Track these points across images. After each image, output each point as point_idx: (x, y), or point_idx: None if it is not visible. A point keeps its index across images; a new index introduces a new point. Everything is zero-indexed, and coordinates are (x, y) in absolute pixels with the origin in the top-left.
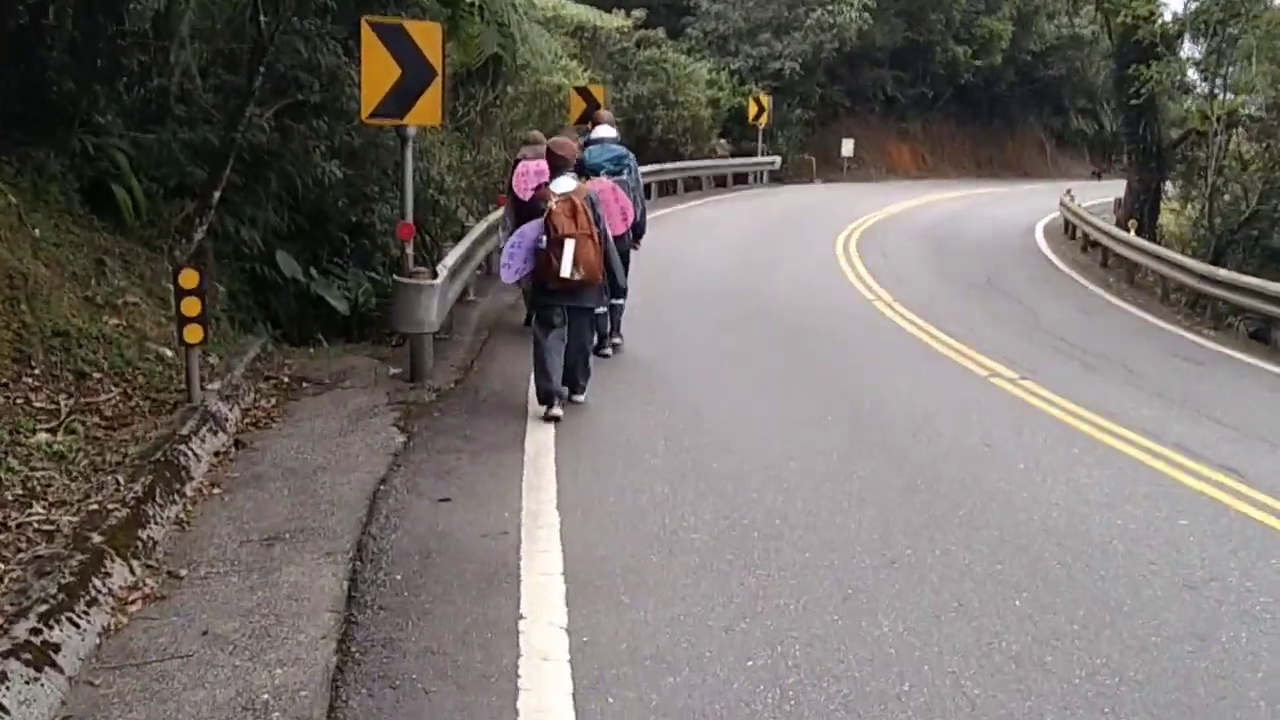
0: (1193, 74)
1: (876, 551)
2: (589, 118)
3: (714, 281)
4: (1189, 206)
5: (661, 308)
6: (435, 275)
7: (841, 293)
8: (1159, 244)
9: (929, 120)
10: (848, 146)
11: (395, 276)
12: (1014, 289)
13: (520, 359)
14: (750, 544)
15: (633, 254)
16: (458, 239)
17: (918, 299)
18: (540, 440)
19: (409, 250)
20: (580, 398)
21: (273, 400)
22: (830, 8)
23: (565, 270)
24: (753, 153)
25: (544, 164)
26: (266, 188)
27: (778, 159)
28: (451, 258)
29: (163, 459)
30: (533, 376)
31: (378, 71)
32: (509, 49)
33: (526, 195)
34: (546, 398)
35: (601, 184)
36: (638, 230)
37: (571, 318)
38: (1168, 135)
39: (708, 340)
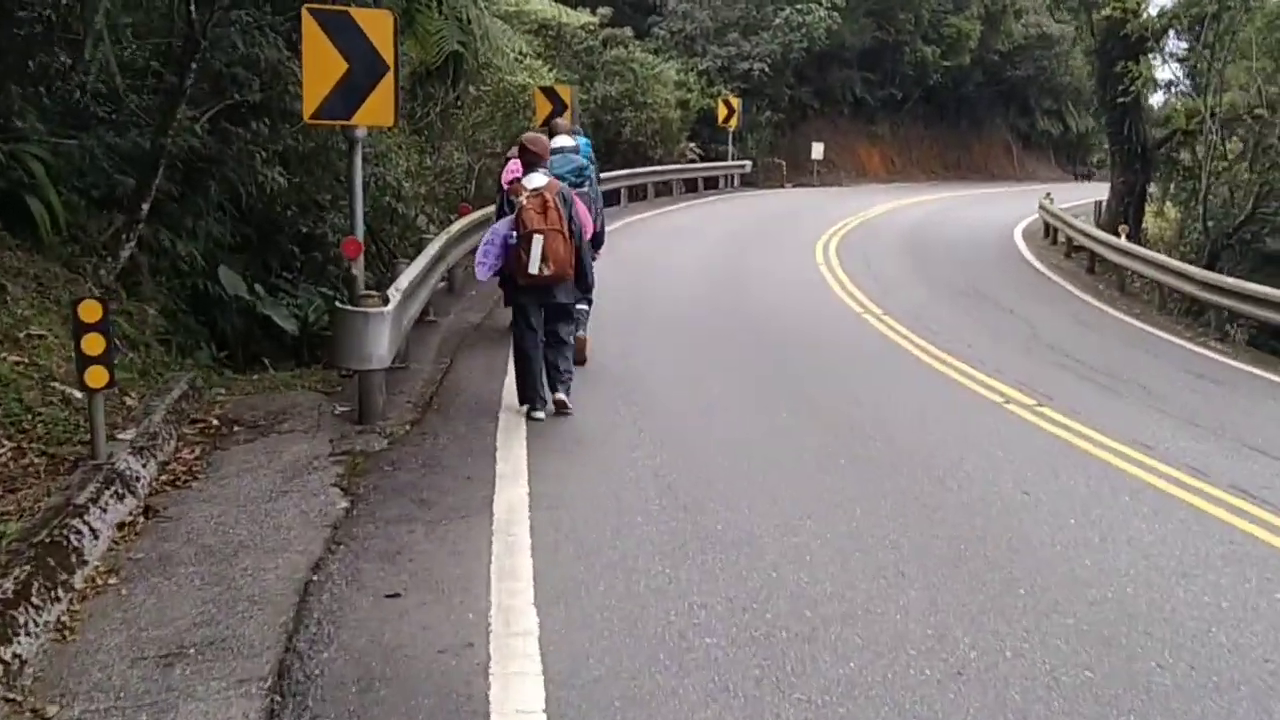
0: (1178, 70)
1: (934, 655)
2: (555, 118)
3: (693, 295)
4: (1172, 208)
5: (638, 324)
6: (386, 300)
7: (829, 305)
8: (1144, 247)
9: (897, 123)
10: (818, 150)
11: (337, 304)
12: (1003, 298)
13: (488, 388)
14: (779, 650)
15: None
16: (419, 249)
17: (908, 311)
18: (511, 500)
19: (357, 270)
20: (563, 396)
21: (197, 450)
22: (799, 6)
23: (533, 266)
24: (723, 156)
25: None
26: (206, 197)
27: (749, 163)
28: (406, 278)
29: (48, 540)
30: (514, 377)
31: (321, 66)
32: (470, 46)
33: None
34: (527, 399)
35: None
36: (596, 241)
37: (547, 314)
38: (1151, 135)
39: (691, 361)
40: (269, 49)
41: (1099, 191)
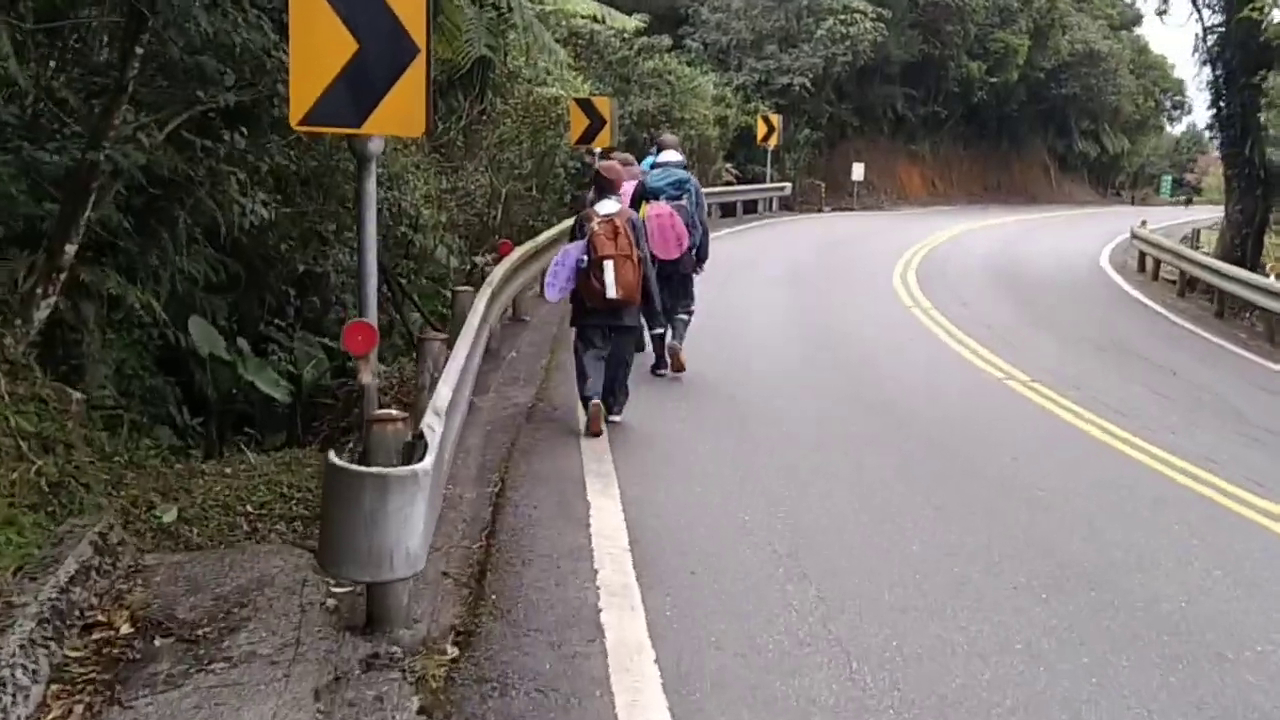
0: None
1: None
2: (592, 136)
3: (784, 365)
4: None
5: (722, 383)
6: (416, 449)
7: (958, 369)
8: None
9: (937, 142)
10: (858, 171)
11: (330, 458)
12: (1149, 352)
13: (572, 540)
14: None
15: (696, 278)
16: (436, 283)
17: (1045, 368)
18: None
19: (368, 377)
20: (616, 418)
21: (78, 709)
22: (842, 17)
23: (610, 291)
24: (759, 178)
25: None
26: (173, 230)
27: (788, 185)
28: (446, 386)
29: None
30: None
31: (317, 46)
32: (499, 51)
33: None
34: (587, 401)
35: (660, 209)
36: (700, 254)
37: (613, 337)
38: (1271, 157)
39: (799, 436)
40: (249, 31)
41: (1161, 214)
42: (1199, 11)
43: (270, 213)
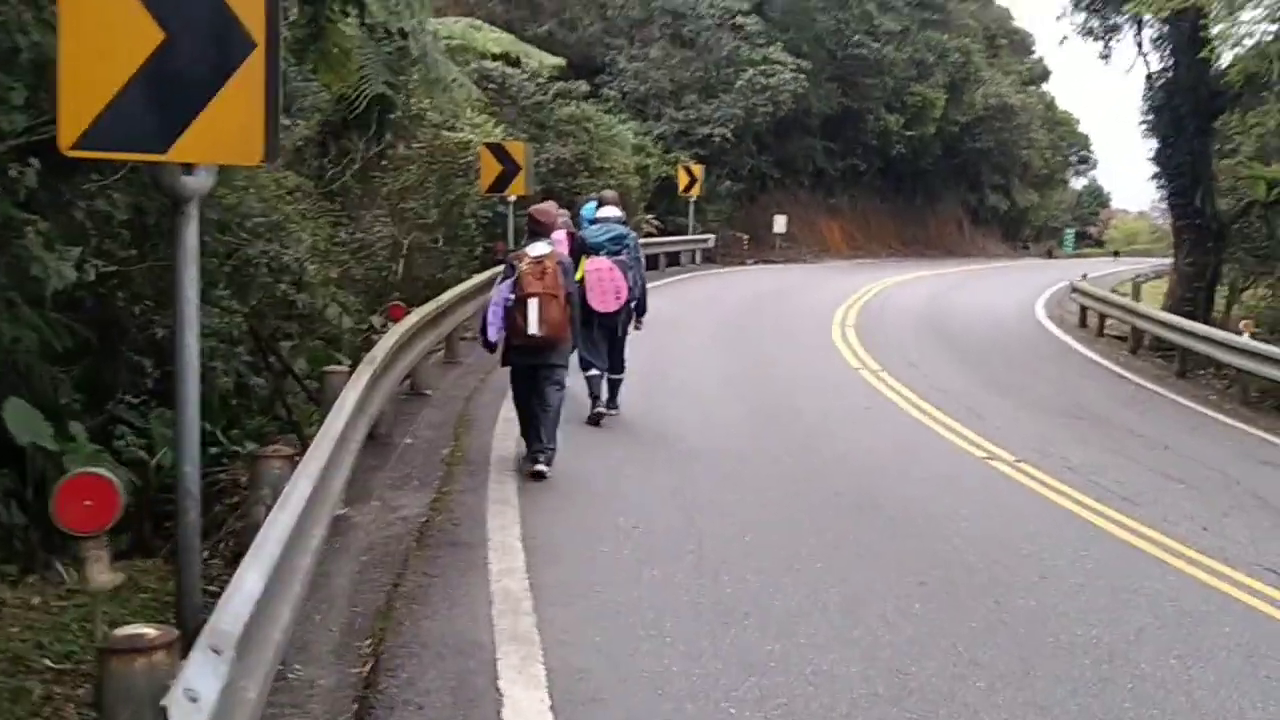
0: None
1: None
2: (504, 184)
3: (722, 434)
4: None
5: (665, 476)
6: None
7: (918, 437)
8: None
9: (856, 195)
10: (780, 223)
11: None
12: (1126, 420)
13: None
14: None
15: (634, 334)
16: (330, 345)
17: (1025, 444)
18: None
19: (103, 576)
20: (542, 468)
21: None
22: (763, 68)
23: (532, 328)
24: (681, 229)
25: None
26: None
27: (712, 237)
28: (253, 582)
29: None
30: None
31: (99, 35)
32: (401, 89)
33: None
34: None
35: (600, 264)
36: (640, 308)
37: (537, 374)
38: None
39: (769, 555)
40: (42, 32)
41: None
42: (1144, 58)
43: (91, 271)
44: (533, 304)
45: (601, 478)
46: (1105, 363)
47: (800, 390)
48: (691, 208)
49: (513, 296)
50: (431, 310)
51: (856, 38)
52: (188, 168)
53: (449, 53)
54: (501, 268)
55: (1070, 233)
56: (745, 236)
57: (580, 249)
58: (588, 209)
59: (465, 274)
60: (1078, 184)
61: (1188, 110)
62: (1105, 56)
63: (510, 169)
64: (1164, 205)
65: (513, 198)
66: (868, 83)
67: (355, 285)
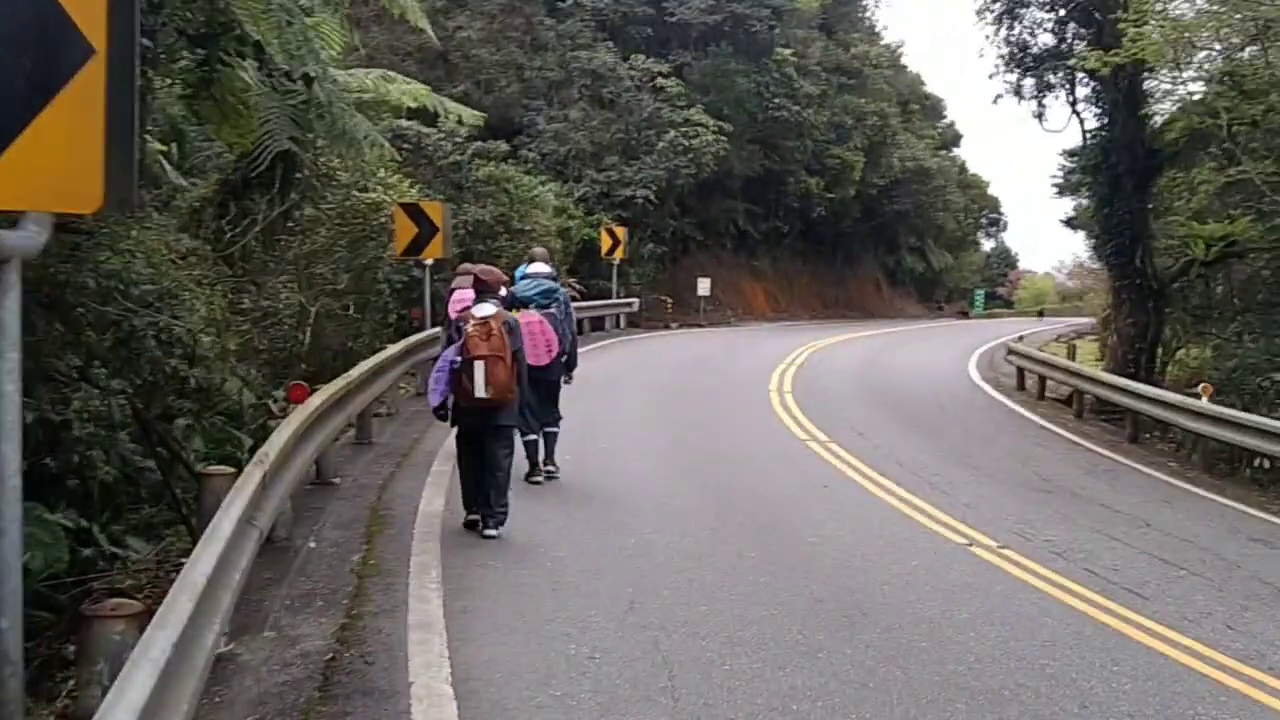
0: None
1: None
2: (421, 247)
3: (671, 523)
4: (1195, 351)
5: (613, 579)
6: None
7: (887, 520)
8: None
9: (778, 257)
10: (704, 286)
11: None
12: (1098, 494)
13: None
14: None
15: (565, 389)
16: (231, 421)
17: (1001, 525)
18: None
19: None
20: (493, 532)
21: None
22: (685, 129)
23: (478, 390)
24: (605, 293)
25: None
26: None
27: (636, 301)
28: None
29: None
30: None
31: None
32: (308, 146)
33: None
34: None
35: (530, 317)
36: (570, 362)
37: (485, 436)
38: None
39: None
40: None
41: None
42: (1079, 117)
43: None
44: (479, 366)
45: (544, 588)
46: (1054, 428)
47: (751, 467)
48: (615, 271)
49: (459, 359)
50: (339, 388)
51: (777, 100)
52: (8, 219)
53: (361, 108)
54: (418, 336)
55: (980, 293)
56: (669, 300)
57: (510, 303)
58: (521, 269)
59: (379, 343)
60: (987, 245)
61: (1125, 168)
62: (1039, 115)
63: (427, 230)
64: (1069, 265)
65: (429, 261)
66: (788, 145)
67: (259, 357)
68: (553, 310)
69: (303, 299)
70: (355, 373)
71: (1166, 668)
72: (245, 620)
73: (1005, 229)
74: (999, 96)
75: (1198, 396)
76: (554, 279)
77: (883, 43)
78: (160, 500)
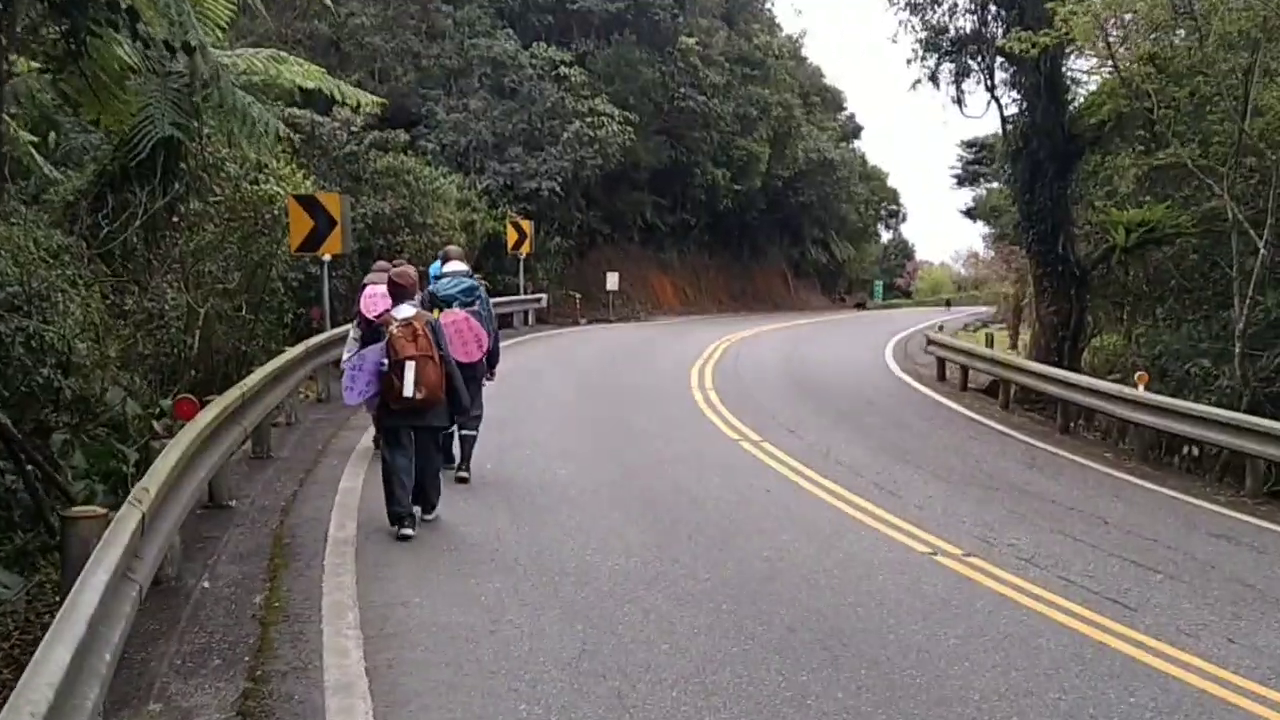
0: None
1: None
2: (318, 242)
3: (602, 539)
4: (1106, 339)
5: (541, 592)
6: None
7: (841, 528)
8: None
9: (684, 251)
10: (613, 280)
11: None
12: (1045, 490)
13: None
14: None
15: (487, 385)
16: (115, 433)
17: (960, 529)
18: None
19: None
20: (430, 516)
21: None
22: (590, 119)
23: (408, 390)
24: (512, 289)
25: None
26: None
27: (544, 296)
28: None
29: None
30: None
31: None
32: (193, 134)
33: (374, 315)
34: (397, 519)
35: (455, 315)
36: (491, 359)
37: (418, 437)
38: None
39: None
40: None
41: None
42: (998, 103)
43: None
44: (410, 366)
45: (481, 630)
46: (984, 420)
47: (686, 472)
48: (521, 266)
49: (386, 361)
50: (234, 399)
51: (683, 90)
52: None
53: (250, 91)
54: (320, 337)
55: (879, 284)
56: (578, 295)
57: (432, 303)
58: (435, 266)
59: (274, 344)
60: (886, 237)
61: (1046, 154)
62: (957, 100)
63: (324, 224)
64: (964, 255)
65: (327, 257)
66: (695, 136)
67: (144, 363)
68: (476, 308)
69: (190, 299)
70: (252, 380)
71: (1186, 695)
72: (124, 689)
73: (905, 220)
74: (916, 82)
75: (1133, 385)
76: (471, 276)
77: (784, 33)
78: (36, 524)
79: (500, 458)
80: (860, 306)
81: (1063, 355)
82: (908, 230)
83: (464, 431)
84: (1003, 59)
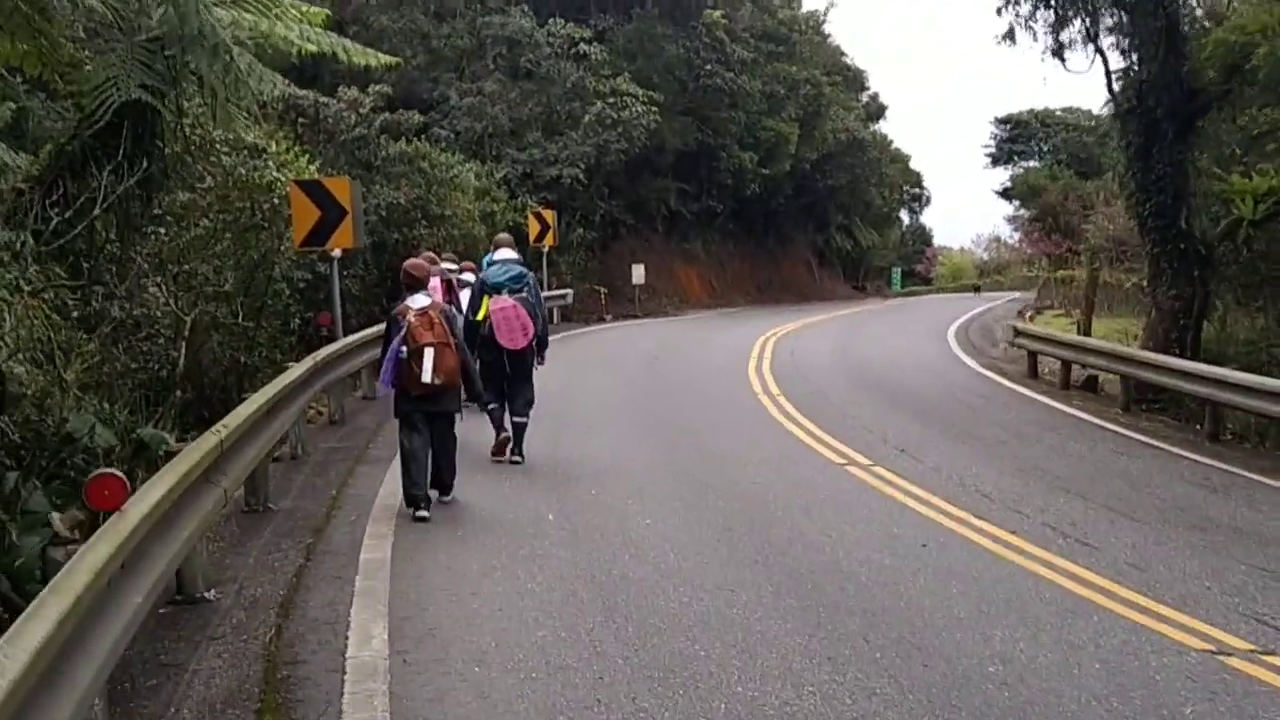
0: None
1: None
2: (325, 235)
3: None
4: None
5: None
6: None
7: (981, 560)
8: None
9: (709, 240)
10: (638, 273)
11: None
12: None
13: None
14: None
15: (537, 372)
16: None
17: (1213, 600)
18: None
19: None
20: (447, 498)
21: None
22: (612, 100)
23: (427, 376)
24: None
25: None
26: None
27: (570, 292)
28: None
29: None
30: (401, 483)
31: None
32: (170, 100)
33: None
34: (413, 501)
35: (503, 303)
36: (541, 344)
37: (433, 422)
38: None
39: None
40: None
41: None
42: (1102, 55)
43: None
44: (429, 353)
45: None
46: (1115, 428)
47: (804, 518)
48: (545, 259)
49: (405, 349)
50: (199, 459)
51: (709, 67)
52: None
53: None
54: (330, 349)
55: (897, 271)
56: (602, 290)
57: (481, 290)
58: (486, 260)
59: (279, 354)
60: (905, 222)
61: (1164, 112)
62: (1057, 52)
63: (332, 215)
64: (985, 240)
65: (337, 253)
66: (721, 116)
67: (120, 383)
68: (525, 294)
69: (175, 306)
70: (237, 418)
71: None
72: None
73: (929, 204)
74: (1010, 32)
75: None
76: (522, 264)
77: (806, 8)
78: None
79: (555, 463)
80: (881, 295)
81: (1184, 345)
82: (926, 216)
83: (515, 419)
84: (1112, 4)
